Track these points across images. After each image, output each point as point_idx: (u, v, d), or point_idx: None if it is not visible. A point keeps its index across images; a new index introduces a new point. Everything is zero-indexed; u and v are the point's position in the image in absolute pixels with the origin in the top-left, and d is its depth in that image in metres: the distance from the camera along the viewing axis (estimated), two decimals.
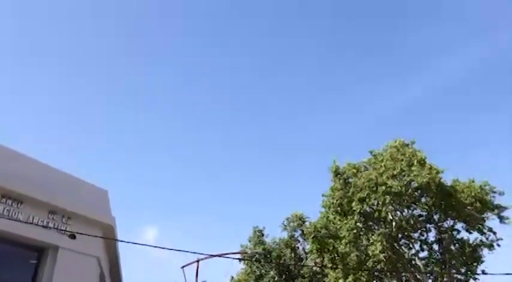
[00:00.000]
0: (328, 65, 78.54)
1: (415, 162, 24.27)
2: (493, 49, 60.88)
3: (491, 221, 24.68)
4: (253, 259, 37.32)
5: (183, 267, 24.41)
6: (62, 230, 12.93)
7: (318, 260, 29.58)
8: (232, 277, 39.97)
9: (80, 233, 12.49)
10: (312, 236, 27.74)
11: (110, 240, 14.78)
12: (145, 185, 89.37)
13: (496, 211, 24.39)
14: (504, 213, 24.28)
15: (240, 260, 36.96)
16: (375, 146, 27.85)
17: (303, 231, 36.79)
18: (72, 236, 12.94)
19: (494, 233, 24.47)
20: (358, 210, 25.09)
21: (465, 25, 66.32)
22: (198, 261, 23.61)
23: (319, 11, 73.83)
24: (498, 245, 24.40)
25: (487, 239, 24.57)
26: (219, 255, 22.33)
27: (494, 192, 24.63)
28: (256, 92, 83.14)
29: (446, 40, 67.68)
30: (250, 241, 39.03)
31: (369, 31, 72.76)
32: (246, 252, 37.20)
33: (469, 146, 66.82)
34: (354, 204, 25.21)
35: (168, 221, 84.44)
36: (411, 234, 25.71)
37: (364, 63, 74.87)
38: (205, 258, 22.59)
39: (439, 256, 25.60)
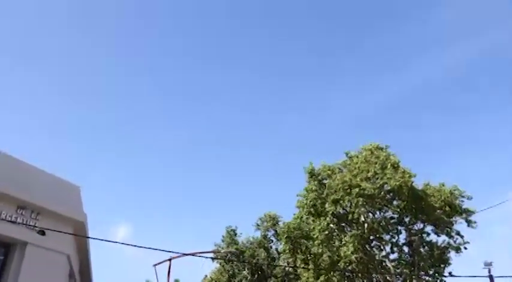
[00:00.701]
0: (310, 64, 79.37)
1: (389, 165, 24.67)
2: (473, 50, 63.04)
3: (459, 224, 25.40)
4: (226, 258, 37.22)
5: (155, 265, 24.06)
6: (31, 225, 12.61)
7: (290, 260, 29.73)
8: (206, 276, 39.84)
9: (50, 229, 12.19)
10: (285, 236, 27.86)
11: (80, 237, 14.50)
12: (120, 183, 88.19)
13: (464, 215, 25.04)
14: (471, 218, 24.98)
15: (213, 259, 36.81)
16: (360, 144, 27.86)
17: (276, 231, 36.94)
18: (42, 232, 12.63)
19: (462, 237, 25.15)
20: (331, 212, 25.33)
21: (448, 26, 68.25)
22: (170, 259, 23.32)
23: (299, 11, 74.51)
24: (465, 248, 25.07)
25: (454, 242, 25.20)
26: (192, 254, 22.18)
27: (463, 196, 25.31)
28: (246, 90, 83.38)
29: (428, 40, 69.55)
30: (223, 241, 38.95)
31: (351, 32, 73.85)
32: (219, 252, 37.05)
33: (447, 146, 68.66)
34: (327, 205, 25.43)
35: (143, 219, 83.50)
36: (382, 236, 26.10)
37: (346, 63, 75.85)
38: (178, 256, 22.33)
39: (409, 258, 26.10)
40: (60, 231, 12.20)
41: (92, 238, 14.28)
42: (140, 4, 78.31)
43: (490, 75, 69.36)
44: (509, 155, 66.85)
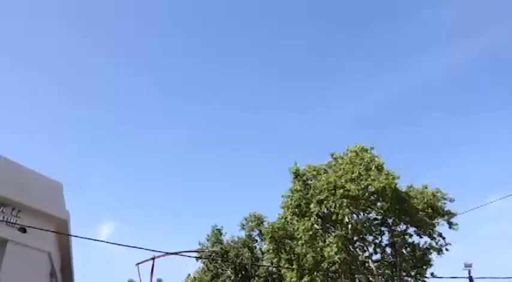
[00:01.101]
0: (310, 64, 79.72)
1: (373, 167, 24.91)
2: (473, 50, 64.06)
3: (441, 226, 25.80)
4: (210, 258, 37.14)
5: (138, 264, 23.88)
6: (12, 223, 12.42)
7: (274, 260, 29.78)
8: (189, 275, 39.70)
9: (31, 227, 12.01)
10: (269, 236, 27.92)
11: (62, 235, 14.32)
12: (120, 183, 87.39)
13: (445, 217, 25.44)
14: (453, 219, 25.39)
15: (197, 258, 36.66)
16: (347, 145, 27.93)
17: (260, 231, 36.98)
18: (23, 230, 12.45)
19: (443, 238, 25.55)
20: (315, 212, 25.48)
21: (448, 26, 69.16)
22: (153, 258, 23.18)
23: (299, 11, 74.82)
24: (446, 250, 25.47)
25: (436, 243, 25.57)
26: (175, 253, 22.09)
27: (445, 199, 25.71)
28: (246, 90, 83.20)
29: (428, 40, 70.42)
30: (208, 240, 38.86)
31: (350, 32, 74.27)
32: (203, 251, 36.93)
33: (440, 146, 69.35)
34: (312, 206, 25.58)
35: (127, 218, 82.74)
36: (366, 237, 26.36)
37: (346, 63, 76.24)
38: (161, 255, 22.22)
39: (391, 259, 26.42)
40: (42, 229, 12.04)
41: (73, 236, 14.12)
42: (140, 4, 78.06)
43: (490, 75, 70.53)
44: (509, 155, 67.81)
